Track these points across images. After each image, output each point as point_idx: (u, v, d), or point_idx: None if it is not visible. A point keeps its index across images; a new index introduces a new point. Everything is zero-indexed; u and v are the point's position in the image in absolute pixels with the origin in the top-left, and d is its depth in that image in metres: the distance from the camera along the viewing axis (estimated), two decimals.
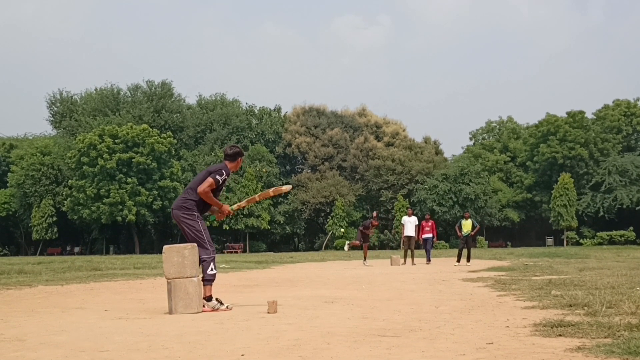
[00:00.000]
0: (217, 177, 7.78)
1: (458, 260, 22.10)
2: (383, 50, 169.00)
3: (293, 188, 70.74)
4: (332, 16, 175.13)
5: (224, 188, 8.18)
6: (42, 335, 5.64)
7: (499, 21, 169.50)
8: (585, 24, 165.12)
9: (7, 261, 31.07)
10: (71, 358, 4.49)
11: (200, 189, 7.71)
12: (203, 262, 7.62)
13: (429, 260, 23.85)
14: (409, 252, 23.85)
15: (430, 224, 24.51)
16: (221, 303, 7.67)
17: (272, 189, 8.75)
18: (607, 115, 73.49)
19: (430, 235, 24.29)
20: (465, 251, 22.23)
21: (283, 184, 8.90)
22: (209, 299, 7.63)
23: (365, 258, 23.68)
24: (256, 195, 8.69)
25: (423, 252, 24.30)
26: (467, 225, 22.49)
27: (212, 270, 7.67)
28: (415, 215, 25.22)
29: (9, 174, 69.72)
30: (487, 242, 66.03)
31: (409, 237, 23.77)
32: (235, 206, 8.47)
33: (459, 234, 22.82)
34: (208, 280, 7.65)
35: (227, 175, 7.95)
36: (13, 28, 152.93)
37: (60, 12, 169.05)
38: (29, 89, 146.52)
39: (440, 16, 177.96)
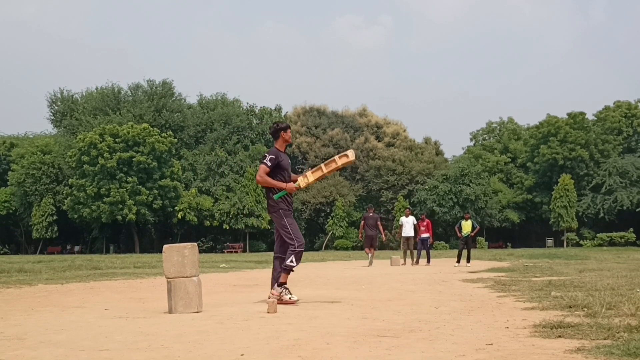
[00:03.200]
0: (265, 161, 8.19)
1: (458, 261, 22.11)
2: (384, 50, 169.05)
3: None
4: (333, 16, 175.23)
5: (283, 168, 8.17)
6: (42, 334, 5.65)
7: (500, 22, 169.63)
8: (586, 25, 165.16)
9: (7, 260, 31.08)
10: (71, 357, 4.49)
11: (257, 179, 8.28)
12: (287, 253, 8.07)
13: (428, 261, 23.84)
14: (408, 252, 23.87)
15: (425, 223, 24.45)
16: (289, 292, 8.06)
17: (339, 157, 8.37)
18: (607, 116, 73.50)
19: (427, 235, 24.24)
20: (465, 252, 22.23)
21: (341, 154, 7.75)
22: (280, 284, 8.07)
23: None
24: (322, 166, 8.34)
25: (423, 252, 24.21)
26: (467, 226, 22.49)
27: (291, 262, 8.01)
28: (414, 215, 25.17)
29: (10, 172, 69.74)
30: (487, 243, 66.05)
31: (408, 238, 23.76)
32: (302, 183, 8.26)
33: (459, 234, 22.81)
34: (284, 269, 8.07)
35: (275, 154, 8.22)
36: (14, 26, 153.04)
37: (61, 11, 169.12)
38: (30, 88, 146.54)
39: (441, 17, 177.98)
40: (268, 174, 8.24)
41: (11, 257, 42.15)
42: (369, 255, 22.68)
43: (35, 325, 6.31)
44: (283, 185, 8.15)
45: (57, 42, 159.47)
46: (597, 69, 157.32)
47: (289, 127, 8.62)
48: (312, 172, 8.36)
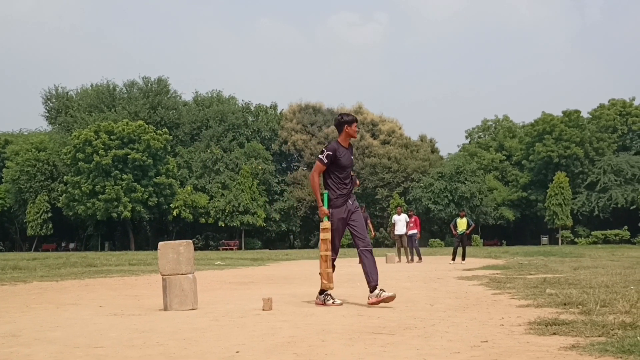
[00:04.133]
0: (320, 157, 7.52)
1: (453, 259, 22.11)
2: (380, 47, 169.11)
3: (288, 185, 70.82)
4: (328, 13, 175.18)
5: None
6: (37, 331, 5.64)
7: (496, 20, 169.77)
8: (582, 23, 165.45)
9: (1, 257, 31.03)
10: (65, 354, 4.48)
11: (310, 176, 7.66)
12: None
13: (420, 258, 23.83)
14: (402, 250, 23.99)
15: (413, 219, 24.50)
16: (332, 297, 7.70)
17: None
18: (602, 114, 73.69)
19: (415, 231, 24.30)
20: (460, 249, 22.24)
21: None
22: (320, 292, 7.71)
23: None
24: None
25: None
26: (462, 224, 22.49)
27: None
28: (405, 213, 25.32)
29: (4, 169, 69.66)
30: (482, 240, 66.19)
31: (400, 236, 24.00)
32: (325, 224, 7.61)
33: (454, 232, 22.81)
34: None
35: (333, 149, 7.45)
36: (9, 23, 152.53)
37: (56, 7, 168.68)
38: (25, 85, 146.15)
39: (437, 14, 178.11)
40: (324, 172, 7.57)
41: (6, 254, 42.07)
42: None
43: (30, 322, 6.30)
44: (320, 204, 7.60)
45: (52, 39, 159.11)
46: (593, 67, 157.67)
47: (355, 121, 7.70)
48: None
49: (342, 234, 7.77)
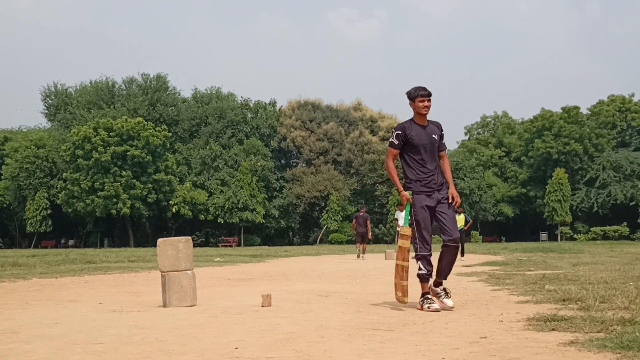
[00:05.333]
0: (391, 140, 6.83)
1: (461, 255, 22.18)
2: (378, 43, 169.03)
3: (287, 182, 70.79)
4: (327, 9, 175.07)
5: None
6: (36, 327, 5.64)
7: (494, 15, 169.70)
8: (581, 19, 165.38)
9: (1, 254, 31.01)
10: (65, 350, 4.48)
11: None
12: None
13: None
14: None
15: None
16: (432, 302, 6.61)
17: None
18: (601, 110, 73.67)
19: None
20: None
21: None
22: (422, 295, 6.72)
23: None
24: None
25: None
26: (460, 220, 22.52)
27: (419, 269, 6.73)
28: None
29: (3, 166, 69.65)
30: (481, 236, 66.22)
31: None
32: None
33: None
34: (418, 277, 6.77)
35: (402, 128, 6.72)
36: (7, 19, 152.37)
37: (55, 4, 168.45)
38: (24, 81, 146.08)
39: (436, 10, 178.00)
40: (398, 156, 6.81)
41: (5, 251, 42.06)
42: (358, 249, 24.55)
43: (29, 319, 6.30)
44: (399, 187, 6.84)
45: (50, 35, 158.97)
46: (592, 63, 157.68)
47: (422, 94, 6.66)
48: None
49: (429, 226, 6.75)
